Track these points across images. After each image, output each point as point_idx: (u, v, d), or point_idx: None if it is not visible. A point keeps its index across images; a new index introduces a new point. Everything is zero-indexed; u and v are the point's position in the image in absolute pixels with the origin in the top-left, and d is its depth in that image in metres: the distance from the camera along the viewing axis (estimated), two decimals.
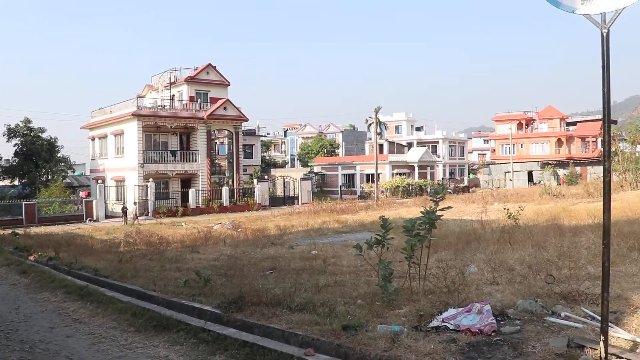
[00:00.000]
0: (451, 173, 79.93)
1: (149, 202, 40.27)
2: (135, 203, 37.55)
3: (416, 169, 64.70)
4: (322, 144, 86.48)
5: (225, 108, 46.90)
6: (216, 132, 48.95)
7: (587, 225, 15.45)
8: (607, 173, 4.38)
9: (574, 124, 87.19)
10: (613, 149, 45.43)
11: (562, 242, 12.57)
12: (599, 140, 77.06)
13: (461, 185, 69.17)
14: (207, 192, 44.87)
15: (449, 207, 6.13)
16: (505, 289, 8.11)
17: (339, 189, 64.70)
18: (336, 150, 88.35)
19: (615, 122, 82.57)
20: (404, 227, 5.66)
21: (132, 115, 41.59)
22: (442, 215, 5.82)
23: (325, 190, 64.45)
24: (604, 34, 4.26)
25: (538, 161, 73.78)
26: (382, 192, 56.33)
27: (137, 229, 24.97)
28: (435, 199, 5.81)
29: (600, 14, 4.29)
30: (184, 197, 43.51)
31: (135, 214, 35.73)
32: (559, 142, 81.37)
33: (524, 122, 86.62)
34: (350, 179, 65.79)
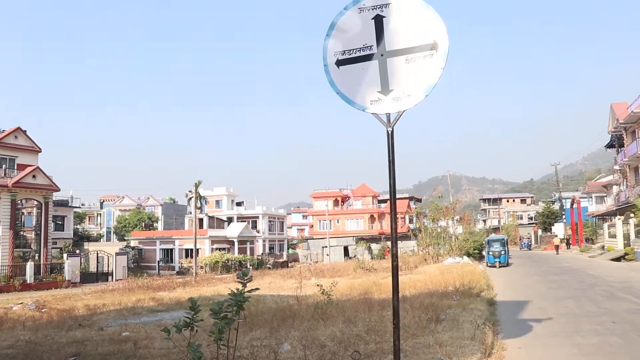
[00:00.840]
0: (271, 248, 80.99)
1: None
2: None
3: (236, 244, 64.68)
4: (140, 217, 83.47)
5: (34, 176, 43.69)
6: (23, 201, 45.19)
7: None
8: (395, 258, 4.76)
9: (385, 201, 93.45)
10: (417, 225, 49.38)
11: (370, 317, 13.17)
12: (407, 216, 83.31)
13: (280, 260, 70.18)
14: (8, 267, 40.73)
15: (257, 289, 6.19)
16: None
17: (156, 264, 62.38)
18: (155, 224, 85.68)
19: (420, 201, 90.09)
20: (211, 310, 5.60)
21: None
22: (250, 298, 5.88)
23: (143, 265, 61.75)
24: (389, 132, 4.77)
25: (353, 236, 77.62)
26: (202, 267, 55.37)
27: None
28: (242, 281, 5.84)
29: (386, 114, 4.81)
30: None
31: None
32: (372, 218, 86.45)
33: (339, 199, 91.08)
34: (169, 254, 63.85)
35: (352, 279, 30.34)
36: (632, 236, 41.84)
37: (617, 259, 39.87)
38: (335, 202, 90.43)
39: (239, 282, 5.86)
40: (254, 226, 77.92)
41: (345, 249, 75.22)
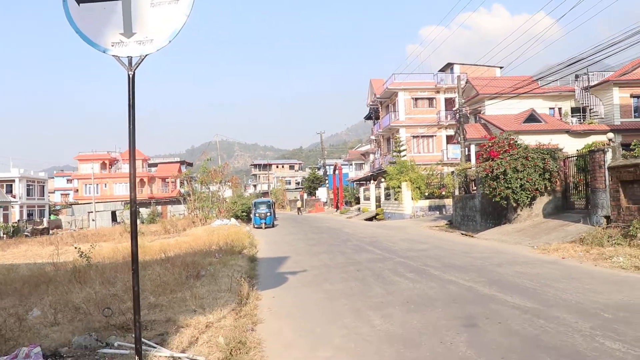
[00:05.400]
0: (30, 214, 74.64)
1: None
2: None
3: None
4: None
5: None
6: None
7: (158, 260, 16.22)
8: (134, 223, 4.74)
9: (155, 165, 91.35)
10: (188, 189, 49.23)
11: (131, 277, 12.92)
12: (178, 180, 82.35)
13: (40, 227, 64.97)
14: None
15: None
16: (64, 329, 7.91)
17: None
18: None
19: (191, 165, 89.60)
20: None
21: None
22: None
23: None
24: (130, 76, 4.69)
25: (122, 201, 74.63)
26: None
27: None
28: None
29: (127, 57, 4.73)
30: None
31: None
32: (142, 182, 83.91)
33: (107, 162, 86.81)
34: None
35: (118, 243, 29.32)
36: (383, 198, 46.47)
37: (370, 219, 44.08)
38: (103, 165, 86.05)
39: None
40: (9, 190, 71.09)
41: (113, 214, 72.12)
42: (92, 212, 70.07)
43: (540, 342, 6.26)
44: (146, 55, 4.70)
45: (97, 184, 79.41)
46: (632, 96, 38.07)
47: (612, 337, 6.28)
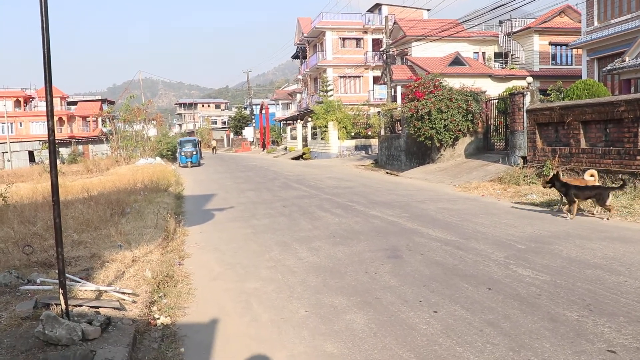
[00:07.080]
0: None
1: None
2: None
3: None
4: None
5: None
6: None
7: (81, 199, 15.76)
8: (52, 154, 4.60)
9: (75, 103, 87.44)
10: (110, 127, 47.62)
11: (51, 215, 12.53)
12: (99, 119, 79.41)
13: None
14: None
15: None
16: None
17: None
18: None
19: (113, 103, 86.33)
20: None
21: None
22: None
23: None
24: None
25: (40, 140, 71.41)
26: None
27: None
28: None
29: None
30: None
31: None
32: (61, 121, 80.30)
33: (22, 99, 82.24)
34: None
35: (37, 183, 28.22)
36: (309, 138, 46.62)
37: (297, 158, 44.25)
38: (17, 103, 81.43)
39: None
40: None
41: (31, 154, 69.14)
42: (6, 152, 66.80)
43: (459, 271, 6.59)
44: None
45: (12, 123, 75.32)
46: (550, 44, 39.29)
47: (523, 265, 6.70)
